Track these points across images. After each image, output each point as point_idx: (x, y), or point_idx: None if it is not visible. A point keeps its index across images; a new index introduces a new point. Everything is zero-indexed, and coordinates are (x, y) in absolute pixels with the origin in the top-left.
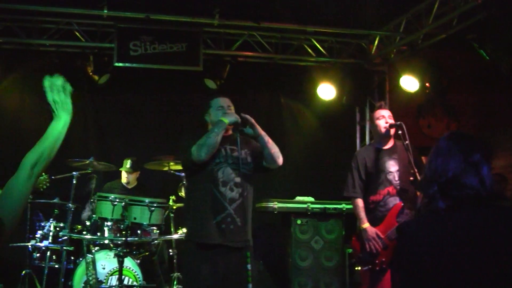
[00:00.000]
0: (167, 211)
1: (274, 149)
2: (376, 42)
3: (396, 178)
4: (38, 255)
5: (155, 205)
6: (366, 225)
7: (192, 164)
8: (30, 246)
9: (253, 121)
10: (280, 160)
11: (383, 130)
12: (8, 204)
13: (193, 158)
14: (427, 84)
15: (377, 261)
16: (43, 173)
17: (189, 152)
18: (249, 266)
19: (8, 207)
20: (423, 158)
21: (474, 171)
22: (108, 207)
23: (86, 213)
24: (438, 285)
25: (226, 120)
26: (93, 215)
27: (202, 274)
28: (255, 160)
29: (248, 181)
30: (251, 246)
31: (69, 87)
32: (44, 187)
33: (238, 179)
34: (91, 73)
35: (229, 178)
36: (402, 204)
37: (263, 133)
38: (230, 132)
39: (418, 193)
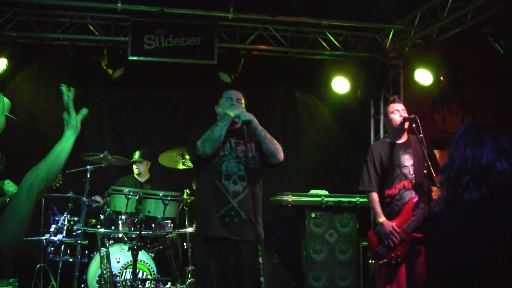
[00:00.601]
0: (181, 205)
1: (272, 145)
2: (391, 35)
3: (412, 172)
4: (52, 249)
5: (169, 198)
6: (382, 219)
7: (198, 158)
8: (44, 240)
9: (250, 116)
10: (279, 156)
11: (397, 123)
12: (8, 229)
13: (198, 152)
14: (441, 78)
15: (393, 255)
16: None
17: (195, 147)
18: (260, 260)
19: (8, 232)
20: (436, 151)
21: (505, 158)
22: (122, 201)
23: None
24: (474, 276)
25: (232, 113)
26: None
27: (212, 268)
28: (260, 154)
29: (254, 175)
30: (262, 240)
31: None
32: (57, 184)
33: (242, 173)
34: (105, 67)
35: (233, 171)
36: (418, 198)
37: (260, 127)
38: (239, 125)
39: (434, 187)
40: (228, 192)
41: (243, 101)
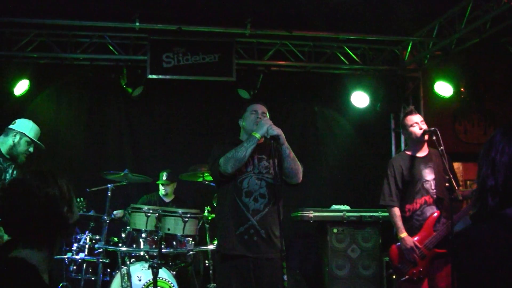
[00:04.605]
0: (201, 222)
1: (294, 164)
2: (409, 48)
3: (433, 187)
4: (74, 267)
5: (188, 215)
6: (404, 234)
7: (220, 176)
8: (66, 259)
9: (278, 131)
10: (298, 177)
11: (418, 136)
12: None
13: (220, 170)
14: (462, 89)
15: (415, 271)
16: (81, 198)
17: (217, 164)
18: (285, 277)
19: None
20: (458, 164)
21: None
22: (142, 219)
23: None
24: None
25: (258, 135)
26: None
27: (233, 286)
28: (280, 171)
29: (277, 193)
30: (284, 256)
31: None
32: (81, 212)
33: (263, 190)
34: (125, 86)
35: (254, 189)
36: (439, 213)
37: (286, 144)
38: (262, 140)
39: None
40: (248, 210)
41: (267, 115)
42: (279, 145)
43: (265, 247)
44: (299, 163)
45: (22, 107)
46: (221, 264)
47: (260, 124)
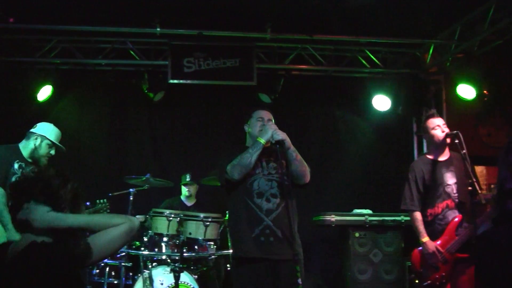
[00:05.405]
0: (222, 226)
1: (301, 166)
2: (431, 50)
3: (455, 191)
4: (97, 271)
5: (209, 220)
6: (425, 239)
7: (227, 182)
8: None
9: (283, 135)
10: (306, 178)
11: (440, 139)
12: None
13: (227, 177)
14: (485, 92)
15: (437, 276)
16: (104, 199)
17: (224, 171)
18: (299, 281)
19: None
20: (482, 167)
21: None
22: (164, 223)
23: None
24: None
25: (263, 141)
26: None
27: None
28: (288, 172)
29: (287, 192)
30: (301, 260)
31: None
32: (105, 213)
33: (274, 190)
34: (146, 91)
35: (265, 189)
36: (461, 217)
37: (292, 147)
38: (269, 144)
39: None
40: (261, 210)
41: (272, 122)
42: (285, 149)
43: (282, 248)
44: (306, 164)
45: (45, 113)
46: (237, 269)
47: (264, 129)
